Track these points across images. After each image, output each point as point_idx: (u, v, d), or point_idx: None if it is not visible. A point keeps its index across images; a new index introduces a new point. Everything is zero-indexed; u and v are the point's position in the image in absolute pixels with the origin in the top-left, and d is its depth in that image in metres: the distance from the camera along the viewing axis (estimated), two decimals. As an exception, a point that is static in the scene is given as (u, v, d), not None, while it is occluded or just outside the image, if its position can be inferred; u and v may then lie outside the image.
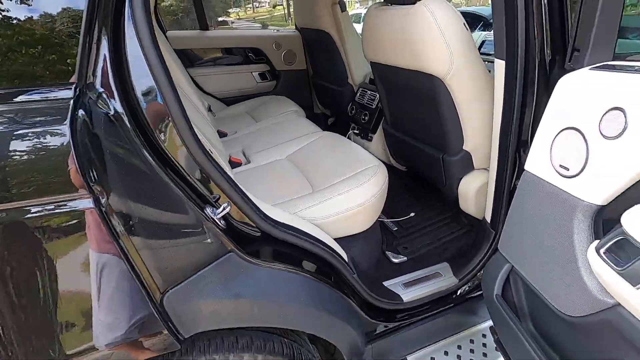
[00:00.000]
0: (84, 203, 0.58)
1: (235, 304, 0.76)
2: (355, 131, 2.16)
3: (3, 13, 0.57)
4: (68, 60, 0.61)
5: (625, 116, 0.63)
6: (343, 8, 2.03)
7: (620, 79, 0.69)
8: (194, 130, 0.72)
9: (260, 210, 0.86)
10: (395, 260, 1.44)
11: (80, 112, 0.57)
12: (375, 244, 1.46)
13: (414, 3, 1.18)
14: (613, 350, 0.69)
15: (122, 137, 0.63)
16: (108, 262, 0.62)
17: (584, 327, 0.73)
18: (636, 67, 0.67)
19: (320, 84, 2.50)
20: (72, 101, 0.57)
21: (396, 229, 1.63)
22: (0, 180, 0.55)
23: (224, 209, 0.77)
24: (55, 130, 0.56)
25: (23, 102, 0.57)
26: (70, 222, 0.59)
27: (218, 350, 0.81)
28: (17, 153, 0.55)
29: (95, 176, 0.58)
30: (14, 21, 0.57)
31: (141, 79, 0.64)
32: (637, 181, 0.62)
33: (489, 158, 1.30)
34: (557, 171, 0.76)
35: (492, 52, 1.08)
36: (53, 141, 0.56)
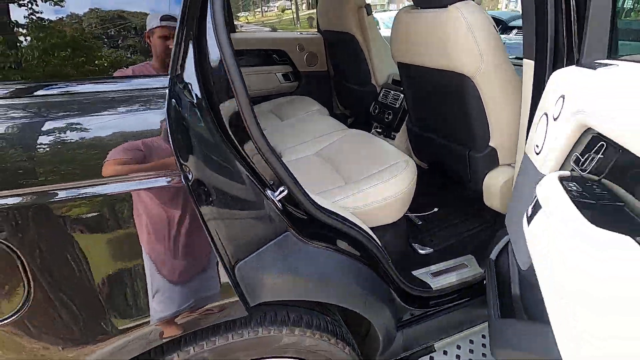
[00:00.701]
0: (175, 179, 0.66)
1: (293, 277, 0.84)
2: (378, 130, 2.22)
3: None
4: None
5: (563, 101, 0.73)
6: (369, 11, 2.10)
7: (575, 72, 0.78)
8: (257, 120, 0.80)
9: (309, 196, 0.94)
10: (422, 252, 1.50)
11: (173, 100, 0.65)
12: (402, 235, 1.53)
13: (446, 6, 1.25)
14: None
15: (202, 123, 0.71)
16: (190, 235, 0.70)
17: (529, 278, 0.83)
18: (599, 65, 0.75)
19: (343, 84, 2.56)
20: (167, 90, 0.66)
21: (421, 223, 1.69)
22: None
23: (280, 192, 0.85)
24: (155, 116, 0.65)
25: (128, 90, 0.66)
26: (164, 195, 0.67)
27: (273, 323, 0.88)
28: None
29: (184, 156, 0.66)
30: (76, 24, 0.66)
31: (218, 74, 0.73)
32: (567, 154, 0.73)
33: (513, 154, 1.36)
34: (533, 149, 0.86)
35: (511, 54, 1.14)
36: (153, 124, 0.65)
